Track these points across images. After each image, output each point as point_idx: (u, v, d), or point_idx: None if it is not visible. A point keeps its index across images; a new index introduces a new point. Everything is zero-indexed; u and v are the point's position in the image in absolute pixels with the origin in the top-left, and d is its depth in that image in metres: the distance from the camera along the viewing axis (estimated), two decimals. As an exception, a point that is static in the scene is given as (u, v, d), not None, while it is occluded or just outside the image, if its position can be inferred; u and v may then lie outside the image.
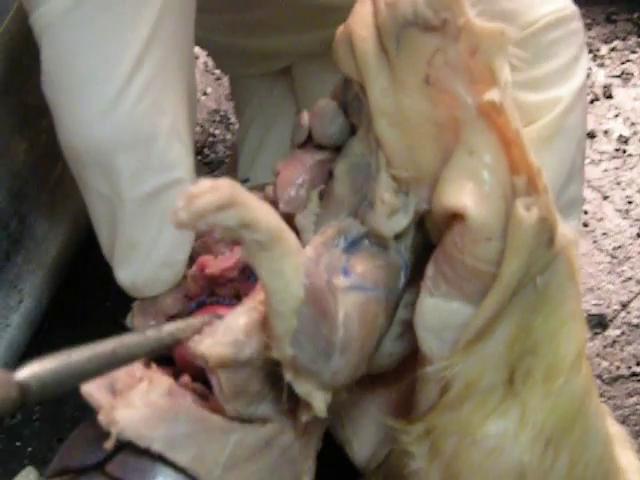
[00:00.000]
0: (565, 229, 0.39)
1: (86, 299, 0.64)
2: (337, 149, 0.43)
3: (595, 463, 0.44)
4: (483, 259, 0.38)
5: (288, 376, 0.36)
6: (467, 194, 0.37)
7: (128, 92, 0.41)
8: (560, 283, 0.41)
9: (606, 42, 0.80)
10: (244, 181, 0.61)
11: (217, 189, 0.31)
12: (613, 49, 0.79)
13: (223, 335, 0.35)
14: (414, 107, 0.38)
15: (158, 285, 0.43)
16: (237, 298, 0.42)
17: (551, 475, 0.42)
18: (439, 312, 0.39)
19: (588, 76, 0.78)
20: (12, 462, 0.58)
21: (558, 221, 0.39)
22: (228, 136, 0.79)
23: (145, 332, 0.36)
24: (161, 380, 0.37)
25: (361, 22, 0.39)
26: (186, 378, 0.39)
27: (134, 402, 0.36)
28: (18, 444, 0.59)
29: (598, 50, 0.79)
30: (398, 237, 0.40)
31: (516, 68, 0.43)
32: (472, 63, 0.37)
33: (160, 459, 0.35)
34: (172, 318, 0.43)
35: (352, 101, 0.42)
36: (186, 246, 0.43)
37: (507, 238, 0.37)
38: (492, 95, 0.37)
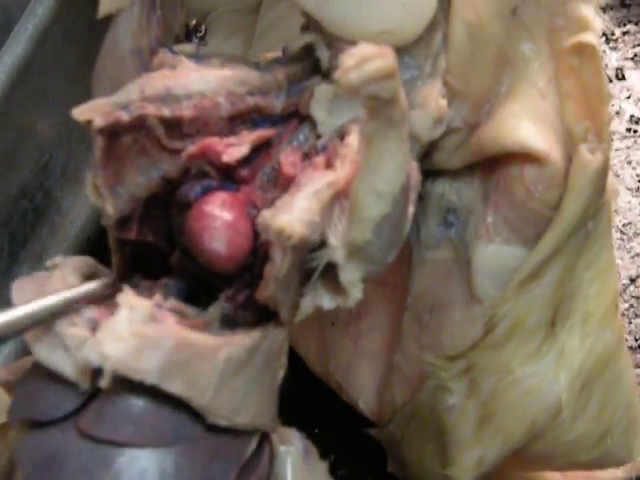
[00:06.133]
0: (610, 180, 0.41)
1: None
2: None
3: (622, 409, 0.45)
4: (549, 204, 0.39)
5: (341, 260, 0.33)
6: (546, 139, 0.38)
7: None
8: (602, 232, 0.42)
9: (619, 25, 0.81)
10: None
11: (385, 56, 0.28)
12: (626, 32, 0.80)
13: (301, 214, 0.32)
14: (493, 30, 0.38)
15: None
16: (230, 181, 0.36)
17: (582, 416, 0.44)
18: (498, 257, 0.40)
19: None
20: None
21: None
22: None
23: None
24: (141, 305, 0.32)
25: None
26: (159, 298, 0.34)
27: (121, 334, 0.31)
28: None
29: (612, 34, 0.80)
30: None
31: None
32: (562, 10, 0.38)
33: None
34: (147, 201, 0.36)
35: None
36: None
37: (568, 182, 0.38)
38: (588, 37, 0.37)
